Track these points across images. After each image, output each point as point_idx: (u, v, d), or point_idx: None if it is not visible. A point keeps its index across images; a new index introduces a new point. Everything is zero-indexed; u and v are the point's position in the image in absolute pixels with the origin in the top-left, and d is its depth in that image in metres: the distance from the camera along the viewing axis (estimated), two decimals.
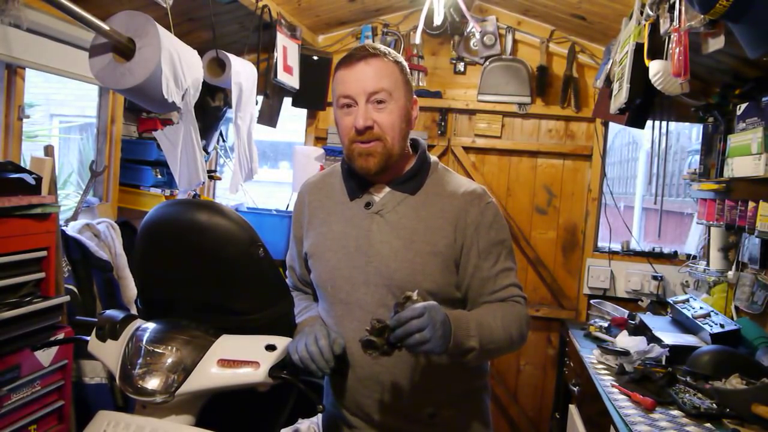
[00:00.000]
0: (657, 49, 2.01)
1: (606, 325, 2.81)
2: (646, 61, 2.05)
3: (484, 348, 1.26)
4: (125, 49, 1.93)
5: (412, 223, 1.36)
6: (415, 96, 1.42)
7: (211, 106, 3.05)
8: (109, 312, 1.37)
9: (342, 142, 1.37)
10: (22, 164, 2.03)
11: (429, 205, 1.38)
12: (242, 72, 2.64)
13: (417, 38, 3.02)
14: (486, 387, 1.50)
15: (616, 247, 3.34)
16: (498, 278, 1.37)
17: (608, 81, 2.63)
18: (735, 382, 1.93)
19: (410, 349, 1.15)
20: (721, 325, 2.30)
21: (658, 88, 2.02)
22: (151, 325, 1.30)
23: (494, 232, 1.38)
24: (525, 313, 1.38)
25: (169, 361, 1.22)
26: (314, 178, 1.55)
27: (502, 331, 1.30)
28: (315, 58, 3.34)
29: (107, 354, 1.31)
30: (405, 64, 1.39)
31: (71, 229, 2.29)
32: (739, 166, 2.09)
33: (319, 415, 1.48)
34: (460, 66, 3.40)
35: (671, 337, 2.35)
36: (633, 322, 2.69)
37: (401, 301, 1.18)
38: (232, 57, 2.56)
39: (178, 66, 2.07)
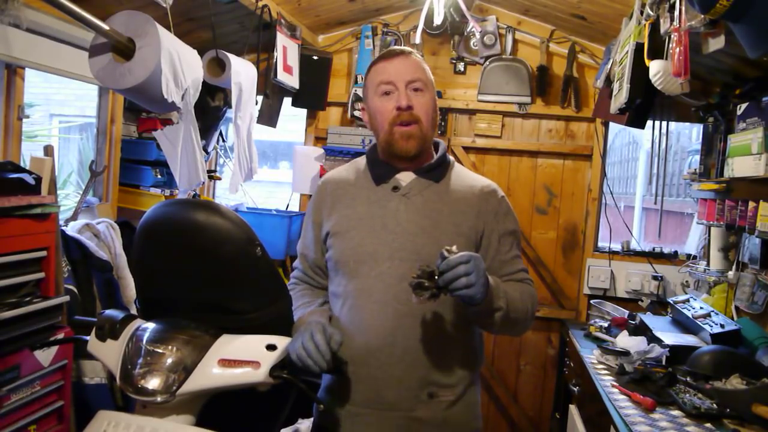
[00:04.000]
0: (657, 49, 2.01)
1: (606, 325, 2.81)
2: (646, 61, 2.04)
3: (509, 312, 1.37)
4: (125, 49, 1.93)
5: (438, 206, 1.46)
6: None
7: (211, 106, 3.05)
8: (109, 312, 1.37)
9: (380, 127, 1.46)
10: (22, 164, 2.03)
11: (452, 192, 1.50)
12: (242, 72, 2.64)
13: (417, 38, 3.02)
14: (477, 380, 1.55)
15: (617, 247, 3.33)
16: (512, 262, 1.51)
17: (608, 81, 2.62)
18: (735, 383, 1.92)
19: (456, 292, 1.22)
20: (722, 325, 2.30)
21: (658, 88, 2.02)
22: (151, 325, 1.30)
23: (509, 222, 1.54)
24: (535, 294, 1.51)
25: (170, 360, 1.22)
26: (335, 171, 1.62)
27: (521, 304, 1.42)
28: (315, 57, 3.34)
29: (107, 354, 1.31)
30: None
31: (71, 229, 2.29)
32: (740, 166, 2.09)
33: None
34: (460, 66, 3.40)
35: (671, 337, 2.35)
36: (633, 322, 2.69)
37: (446, 252, 1.23)
38: (232, 57, 2.56)
39: (178, 66, 2.07)
